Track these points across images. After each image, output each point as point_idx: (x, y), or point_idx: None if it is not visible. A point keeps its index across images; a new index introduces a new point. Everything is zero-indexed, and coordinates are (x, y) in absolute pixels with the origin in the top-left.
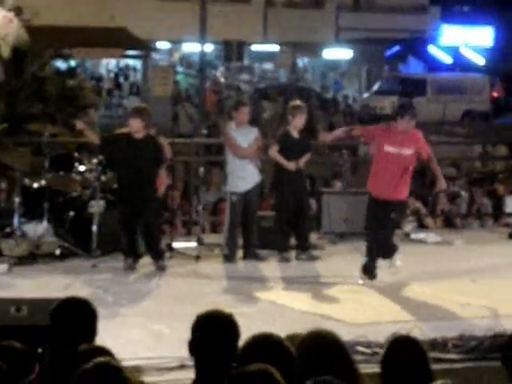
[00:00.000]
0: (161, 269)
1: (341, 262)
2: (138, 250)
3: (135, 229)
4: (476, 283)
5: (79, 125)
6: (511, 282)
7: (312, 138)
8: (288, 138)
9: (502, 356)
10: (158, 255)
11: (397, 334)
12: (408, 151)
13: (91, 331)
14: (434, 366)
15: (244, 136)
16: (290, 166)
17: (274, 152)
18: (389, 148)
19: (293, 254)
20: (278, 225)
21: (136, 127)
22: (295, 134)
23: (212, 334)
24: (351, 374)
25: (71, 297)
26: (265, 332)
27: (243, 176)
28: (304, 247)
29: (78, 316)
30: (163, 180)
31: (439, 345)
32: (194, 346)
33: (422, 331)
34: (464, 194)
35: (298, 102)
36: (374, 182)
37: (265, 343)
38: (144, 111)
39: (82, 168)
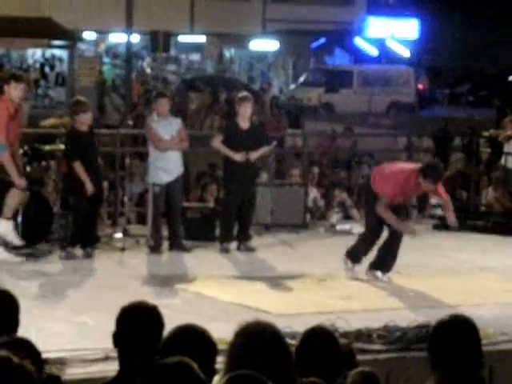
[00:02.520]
0: (89, 256)
1: (267, 253)
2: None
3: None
4: (401, 274)
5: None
6: (436, 273)
7: None
8: (235, 129)
9: (428, 347)
10: (92, 241)
11: (317, 325)
12: None
13: (13, 323)
14: (359, 357)
15: (166, 127)
16: (236, 157)
17: (216, 142)
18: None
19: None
20: (223, 216)
21: (89, 120)
22: (244, 125)
23: (136, 325)
24: (289, 368)
25: None
26: (188, 323)
27: (165, 167)
28: (245, 238)
29: None
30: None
31: (364, 335)
32: (118, 338)
33: (346, 322)
34: None
35: (244, 93)
36: None
37: (187, 334)
38: (88, 104)
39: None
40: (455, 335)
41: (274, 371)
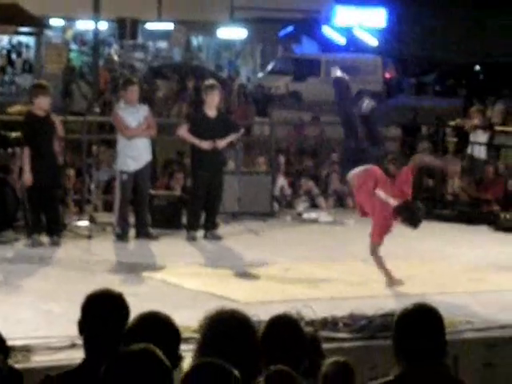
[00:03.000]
0: (55, 244)
1: (234, 242)
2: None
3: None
4: (366, 263)
5: None
6: (401, 261)
7: None
8: (202, 117)
9: (392, 336)
10: (57, 230)
11: (281, 313)
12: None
13: None
14: (325, 345)
15: (133, 115)
16: (203, 145)
17: (182, 131)
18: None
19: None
20: (190, 204)
21: (47, 105)
22: (211, 114)
23: (101, 313)
24: (255, 356)
25: None
26: (151, 310)
27: (133, 155)
28: (212, 226)
29: None
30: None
31: (330, 324)
32: (83, 326)
33: (312, 310)
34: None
35: (211, 81)
36: None
37: (150, 322)
38: (49, 89)
39: None
40: (419, 324)
41: (240, 359)
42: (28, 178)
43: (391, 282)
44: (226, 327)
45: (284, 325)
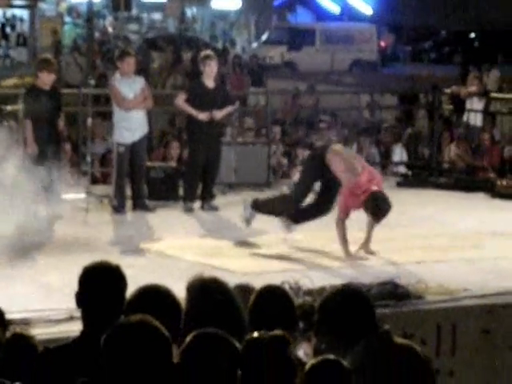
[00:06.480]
0: (57, 217)
1: (231, 212)
2: None
3: None
4: (364, 232)
5: None
6: (398, 229)
7: None
8: (200, 88)
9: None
10: (57, 202)
11: (268, 284)
12: None
13: None
14: None
15: (129, 86)
16: (201, 116)
17: (180, 101)
18: None
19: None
20: (187, 175)
21: (51, 81)
22: (209, 84)
23: (98, 285)
24: (241, 322)
25: None
26: (152, 283)
27: (129, 127)
28: (209, 197)
29: None
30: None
31: None
32: (81, 298)
33: (310, 280)
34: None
35: (208, 51)
36: None
37: (151, 294)
38: (55, 65)
39: None
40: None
41: (224, 326)
42: (33, 148)
43: (348, 257)
44: (205, 294)
45: (272, 295)
